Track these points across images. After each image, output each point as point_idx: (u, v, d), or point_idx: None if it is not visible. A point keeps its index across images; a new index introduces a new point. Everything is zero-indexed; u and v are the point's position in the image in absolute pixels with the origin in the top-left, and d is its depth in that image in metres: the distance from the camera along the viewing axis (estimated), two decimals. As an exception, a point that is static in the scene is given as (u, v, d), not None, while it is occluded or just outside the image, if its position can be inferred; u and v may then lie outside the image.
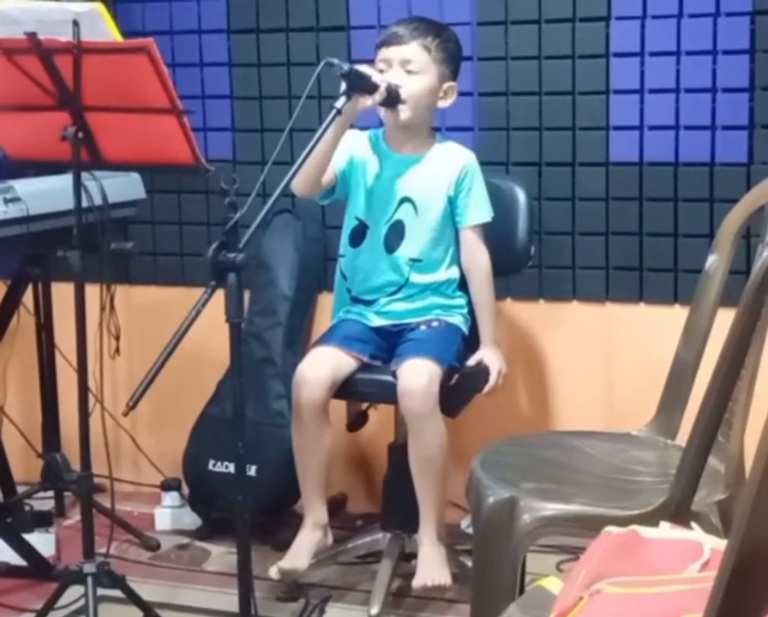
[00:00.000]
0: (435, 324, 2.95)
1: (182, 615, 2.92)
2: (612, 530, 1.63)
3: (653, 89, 3.17)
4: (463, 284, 3.02)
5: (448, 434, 2.83)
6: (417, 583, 2.80)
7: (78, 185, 2.59)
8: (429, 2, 3.27)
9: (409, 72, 2.88)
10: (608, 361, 3.32)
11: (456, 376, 2.88)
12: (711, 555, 1.52)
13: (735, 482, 2.14)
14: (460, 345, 2.95)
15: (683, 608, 1.37)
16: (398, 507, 3.03)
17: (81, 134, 2.55)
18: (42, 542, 3.21)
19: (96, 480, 2.72)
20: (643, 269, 3.25)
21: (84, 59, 2.48)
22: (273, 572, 2.86)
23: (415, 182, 2.97)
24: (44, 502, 3.53)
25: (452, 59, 2.95)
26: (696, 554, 1.54)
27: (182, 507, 3.49)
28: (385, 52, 2.91)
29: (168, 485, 3.52)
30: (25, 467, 3.63)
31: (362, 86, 2.74)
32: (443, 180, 2.96)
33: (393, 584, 2.93)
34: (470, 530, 2.94)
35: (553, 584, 1.69)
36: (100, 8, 2.78)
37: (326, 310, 3.32)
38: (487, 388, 2.96)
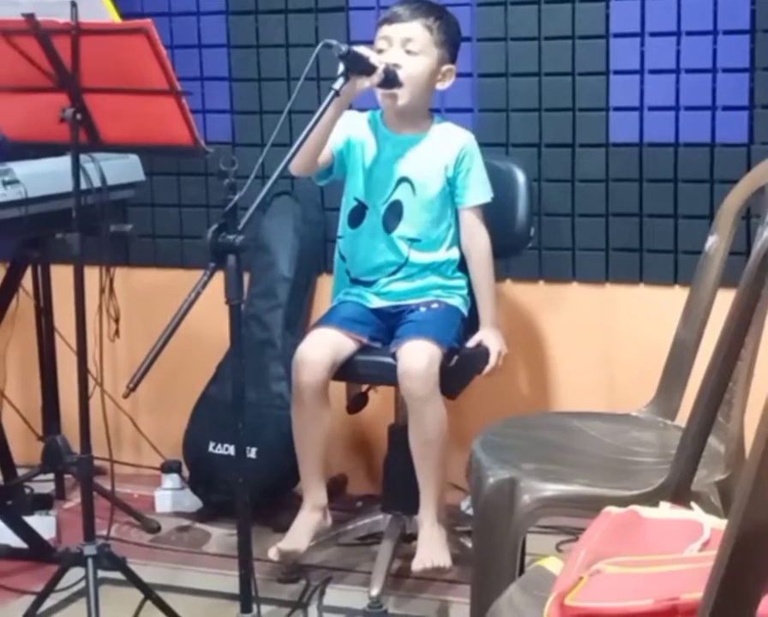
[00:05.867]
0: (434, 305, 2.95)
1: (182, 597, 2.92)
2: (612, 510, 1.64)
3: (653, 70, 3.16)
4: (463, 266, 3.01)
5: (448, 415, 2.83)
6: (416, 565, 2.80)
7: (77, 167, 2.58)
8: (428, -17, 3.26)
9: (409, 51, 2.88)
10: (608, 342, 3.32)
11: (456, 358, 2.88)
12: (711, 535, 1.53)
13: (735, 462, 2.14)
14: (460, 327, 2.95)
15: (683, 587, 1.37)
16: (398, 489, 3.04)
17: (79, 116, 2.54)
18: (42, 524, 3.21)
19: (96, 462, 2.72)
20: (643, 250, 3.25)
21: (82, 40, 2.47)
22: (272, 554, 2.87)
23: (413, 162, 2.97)
24: (44, 485, 3.54)
25: (452, 42, 2.95)
26: (696, 534, 1.54)
27: (182, 489, 3.50)
28: (386, 30, 2.90)
29: (168, 467, 3.52)
30: (25, 450, 3.64)
31: (360, 67, 2.73)
32: (441, 160, 2.96)
33: (393, 566, 2.94)
34: (470, 512, 2.94)
35: (553, 564, 1.70)
36: (98, -11, 2.77)
37: (325, 292, 3.32)
38: (487, 369, 2.96)
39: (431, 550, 2.82)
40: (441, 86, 2.97)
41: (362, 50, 2.76)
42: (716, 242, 2.43)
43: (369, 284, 3.00)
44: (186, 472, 3.50)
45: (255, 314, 3.46)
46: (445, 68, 2.94)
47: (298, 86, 2.45)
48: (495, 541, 2.19)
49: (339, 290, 3.06)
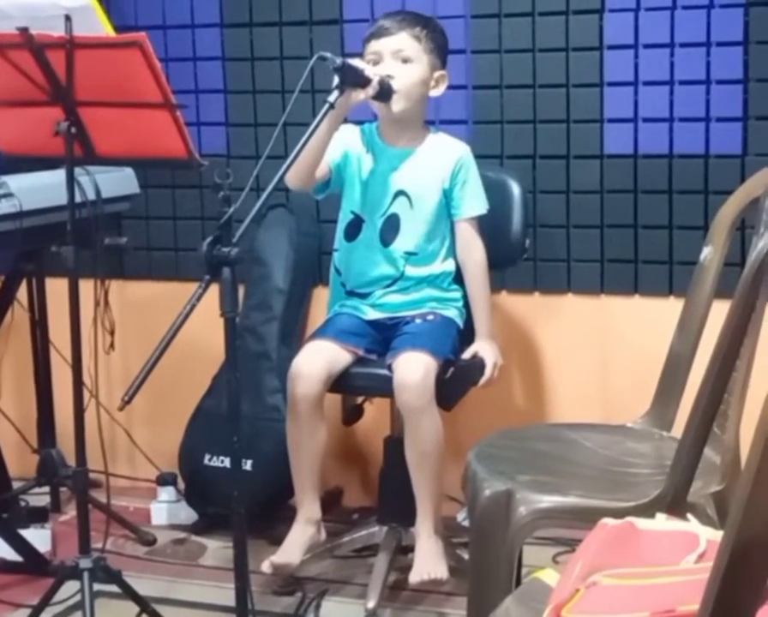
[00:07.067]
0: (430, 317, 2.95)
1: (178, 610, 2.92)
2: (608, 521, 1.64)
3: (647, 81, 3.17)
4: (458, 278, 3.02)
5: (444, 427, 2.83)
6: (413, 577, 2.80)
7: (71, 180, 2.58)
8: (422, -5, 3.27)
9: (401, 61, 2.88)
10: (603, 353, 3.33)
11: (451, 369, 2.88)
12: (707, 546, 1.53)
13: (731, 474, 2.14)
14: (455, 338, 2.95)
15: (679, 599, 1.37)
16: (394, 501, 3.03)
17: (73, 130, 2.55)
18: (38, 537, 3.20)
19: (91, 475, 2.72)
20: (638, 261, 3.25)
21: (76, 54, 2.47)
22: (266, 567, 2.86)
23: (409, 175, 2.97)
24: (39, 498, 3.53)
25: (440, 48, 2.96)
26: (692, 546, 1.54)
27: (177, 502, 3.49)
28: (374, 45, 2.91)
29: (164, 480, 3.52)
30: (20, 463, 3.63)
31: (354, 80, 2.73)
32: (438, 173, 2.96)
33: (389, 578, 2.93)
34: (466, 523, 2.93)
35: (549, 576, 1.70)
36: (93, 2, 2.77)
37: (321, 304, 3.32)
38: (482, 381, 2.95)
39: (428, 562, 2.81)
40: (434, 92, 2.97)
41: (356, 62, 2.77)
42: (710, 254, 2.43)
43: (364, 296, 3.00)
44: (182, 485, 3.49)
45: (251, 326, 3.46)
46: (437, 74, 2.95)
47: (293, 98, 2.44)
48: (491, 552, 2.19)
49: (334, 303, 3.06)
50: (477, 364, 2.96)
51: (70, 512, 3.41)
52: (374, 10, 3.35)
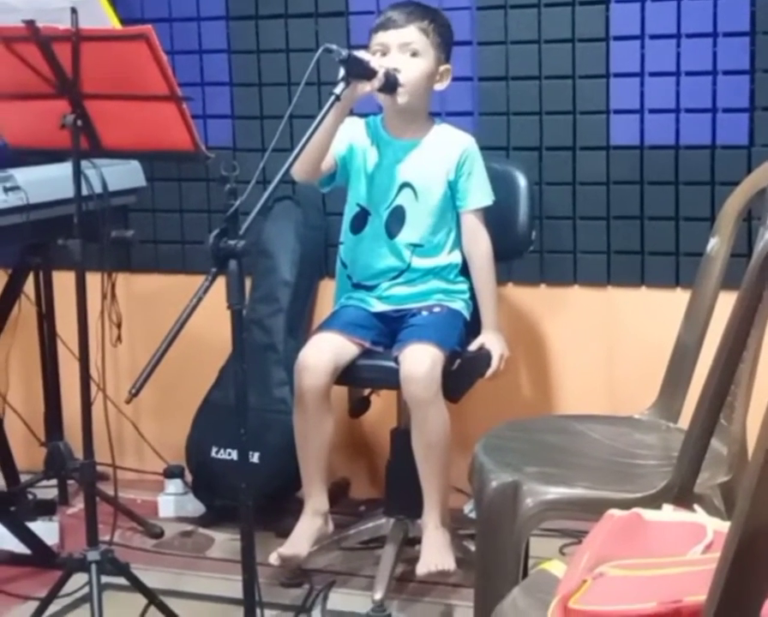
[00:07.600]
0: (436, 309, 2.95)
1: (186, 602, 2.92)
2: (615, 513, 1.64)
3: (653, 72, 3.16)
4: (465, 270, 3.02)
5: (451, 419, 2.83)
6: (421, 569, 2.80)
7: (78, 173, 2.58)
8: (428, -13, 3.26)
9: (408, 54, 2.88)
10: (609, 345, 3.33)
11: (458, 361, 2.88)
12: (714, 537, 1.53)
13: (738, 465, 2.14)
14: (462, 330, 2.95)
15: (687, 590, 1.37)
16: (401, 492, 3.03)
17: (80, 122, 2.55)
18: (46, 530, 3.21)
19: (99, 468, 2.72)
20: (644, 253, 3.25)
21: (83, 47, 2.47)
22: (273, 559, 2.87)
23: (414, 167, 2.97)
24: (47, 490, 3.54)
25: (446, 42, 2.96)
26: (699, 537, 1.54)
27: (185, 494, 3.50)
28: (382, 37, 2.91)
29: (171, 472, 3.53)
30: (28, 456, 3.64)
31: (360, 72, 2.73)
32: (443, 164, 2.96)
33: (396, 569, 2.94)
34: (473, 515, 2.94)
35: (556, 567, 1.70)
36: (99, -5, 2.77)
37: (327, 297, 3.32)
38: (489, 373, 2.96)
39: (435, 554, 2.82)
40: (439, 86, 2.98)
41: (362, 54, 2.77)
42: (717, 245, 2.43)
43: (370, 289, 3.00)
44: (189, 477, 3.50)
45: (257, 318, 3.46)
46: (442, 68, 2.95)
47: (299, 90, 2.45)
48: (498, 544, 2.19)
49: (340, 295, 3.06)
50: (484, 356, 2.96)
51: (78, 505, 3.42)
52: (380, 2, 3.34)
